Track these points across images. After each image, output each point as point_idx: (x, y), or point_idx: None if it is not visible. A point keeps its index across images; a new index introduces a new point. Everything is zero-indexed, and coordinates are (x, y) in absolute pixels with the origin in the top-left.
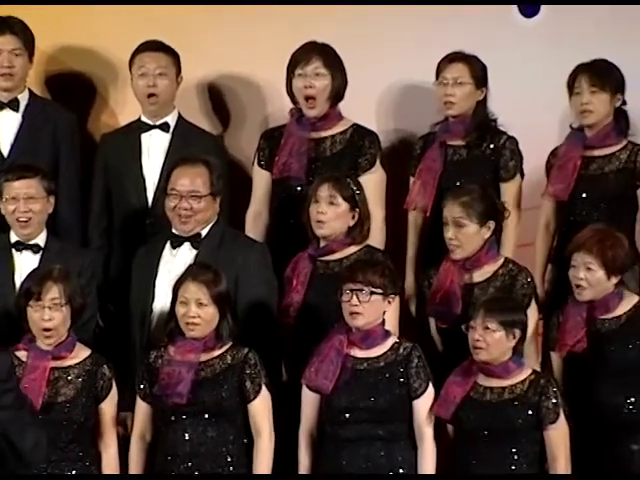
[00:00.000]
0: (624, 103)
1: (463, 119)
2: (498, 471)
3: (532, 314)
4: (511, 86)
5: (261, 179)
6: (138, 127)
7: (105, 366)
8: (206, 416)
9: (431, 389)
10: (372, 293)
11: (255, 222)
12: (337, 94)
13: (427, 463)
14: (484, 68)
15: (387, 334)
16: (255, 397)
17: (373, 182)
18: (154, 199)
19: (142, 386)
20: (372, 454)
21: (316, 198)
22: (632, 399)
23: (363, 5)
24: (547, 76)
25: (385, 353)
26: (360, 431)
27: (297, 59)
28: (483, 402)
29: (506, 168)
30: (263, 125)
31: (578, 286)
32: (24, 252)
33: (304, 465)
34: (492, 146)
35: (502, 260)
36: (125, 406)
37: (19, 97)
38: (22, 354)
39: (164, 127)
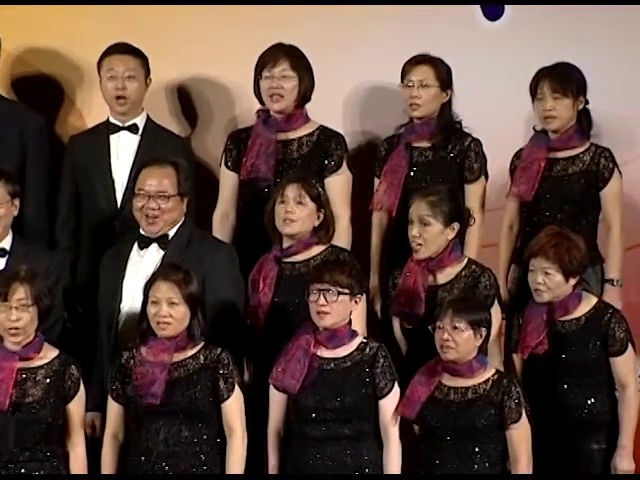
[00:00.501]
0: (587, 103)
1: (428, 121)
2: (461, 470)
3: (495, 314)
4: (476, 88)
5: (228, 180)
6: (107, 128)
7: (73, 366)
8: (180, 416)
9: (397, 389)
10: (339, 293)
11: (222, 223)
12: (304, 96)
13: (392, 462)
14: (449, 70)
15: (354, 334)
16: (229, 397)
17: (340, 183)
18: (123, 200)
19: (114, 387)
20: (338, 453)
21: (283, 198)
22: (592, 399)
23: (330, 7)
24: (511, 78)
25: (351, 353)
26: (327, 430)
27: (264, 61)
28: (447, 402)
29: (471, 170)
30: (230, 126)
31: (537, 290)
32: None
33: (272, 464)
34: (457, 148)
35: (465, 261)
36: (92, 406)
37: None
38: None
39: (133, 129)
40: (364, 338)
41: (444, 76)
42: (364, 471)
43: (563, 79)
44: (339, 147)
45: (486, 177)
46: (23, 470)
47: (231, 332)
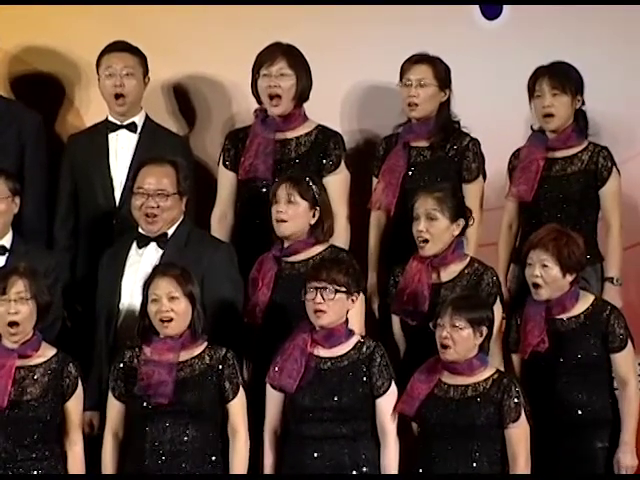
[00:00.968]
0: (583, 104)
1: (427, 120)
2: (460, 469)
3: (497, 313)
4: (474, 88)
5: (226, 180)
6: (105, 127)
7: (71, 364)
8: (187, 416)
9: (394, 387)
10: (336, 291)
11: (220, 223)
12: (302, 95)
13: (390, 461)
14: (448, 70)
15: (350, 333)
16: (234, 397)
17: (338, 182)
18: (121, 199)
19: (116, 385)
20: (335, 452)
21: (276, 199)
22: (594, 397)
23: (329, 7)
24: (510, 78)
25: (348, 352)
26: (324, 429)
27: (262, 59)
28: (446, 399)
29: (469, 170)
30: (228, 126)
31: (535, 285)
32: None
33: (268, 463)
34: (455, 148)
35: (468, 259)
36: (90, 405)
37: None
38: None
39: (131, 127)
40: (361, 337)
41: (442, 75)
42: (361, 470)
43: (562, 76)
44: (337, 146)
45: (484, 177)
46: (21, 469)
47: (230, 331)
